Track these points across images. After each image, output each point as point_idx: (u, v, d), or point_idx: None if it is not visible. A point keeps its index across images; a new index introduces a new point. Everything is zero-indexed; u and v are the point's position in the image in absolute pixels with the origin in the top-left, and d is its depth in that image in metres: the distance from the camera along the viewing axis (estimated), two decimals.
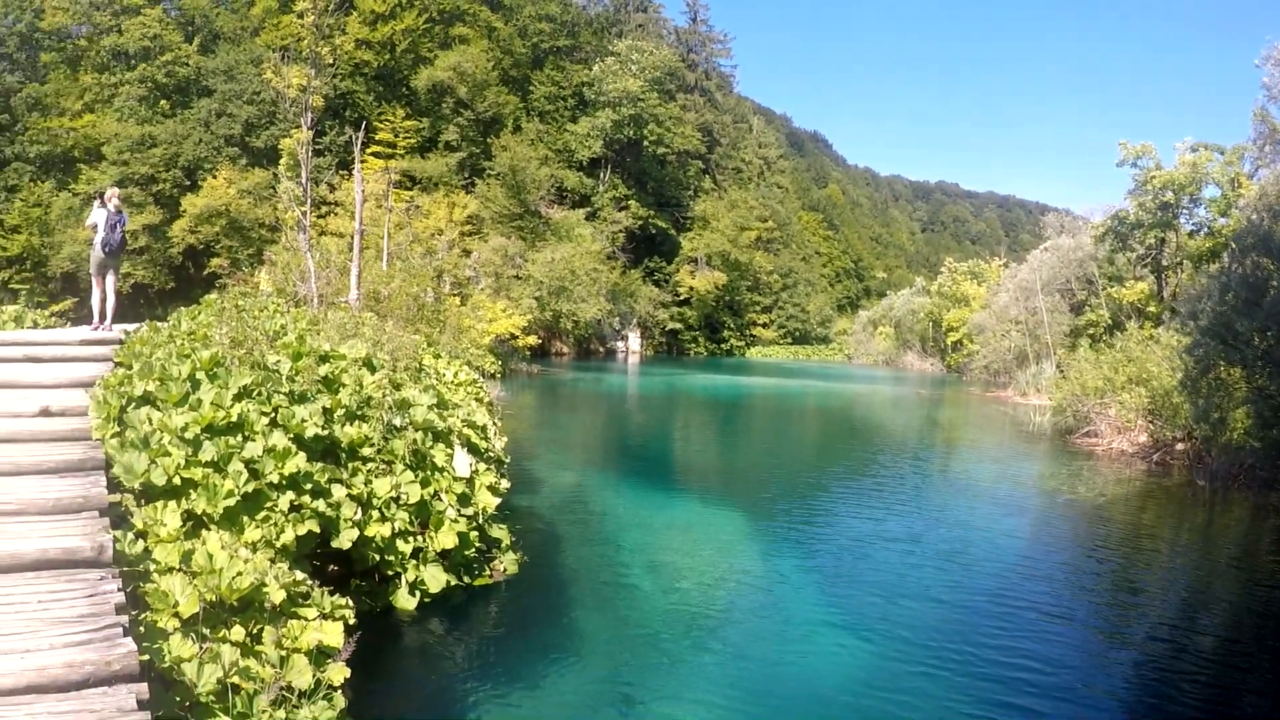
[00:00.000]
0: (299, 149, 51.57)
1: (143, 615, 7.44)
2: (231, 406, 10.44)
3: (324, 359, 13.47)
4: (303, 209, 27.08)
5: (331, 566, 11.57)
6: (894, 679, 10.24)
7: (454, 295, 43.04)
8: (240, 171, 72.49)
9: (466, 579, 12.51)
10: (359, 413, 12.45)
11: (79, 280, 67.25)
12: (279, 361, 12.49)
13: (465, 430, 14.26)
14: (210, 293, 68.61)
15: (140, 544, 8.22)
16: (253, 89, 76.51)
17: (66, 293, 68.78)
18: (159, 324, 16.42)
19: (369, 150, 66.15)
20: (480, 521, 13.10)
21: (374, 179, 52.61)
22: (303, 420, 10.89)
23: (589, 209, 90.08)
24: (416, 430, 12.85)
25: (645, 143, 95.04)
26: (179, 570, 8.04)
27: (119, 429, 10.08)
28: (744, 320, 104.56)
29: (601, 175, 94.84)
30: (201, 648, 7.31)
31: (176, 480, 9.31)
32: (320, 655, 8.07)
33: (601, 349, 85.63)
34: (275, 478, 9.94)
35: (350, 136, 66.78)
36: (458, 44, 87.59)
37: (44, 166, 75.99)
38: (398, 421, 12.71)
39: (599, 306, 75.02)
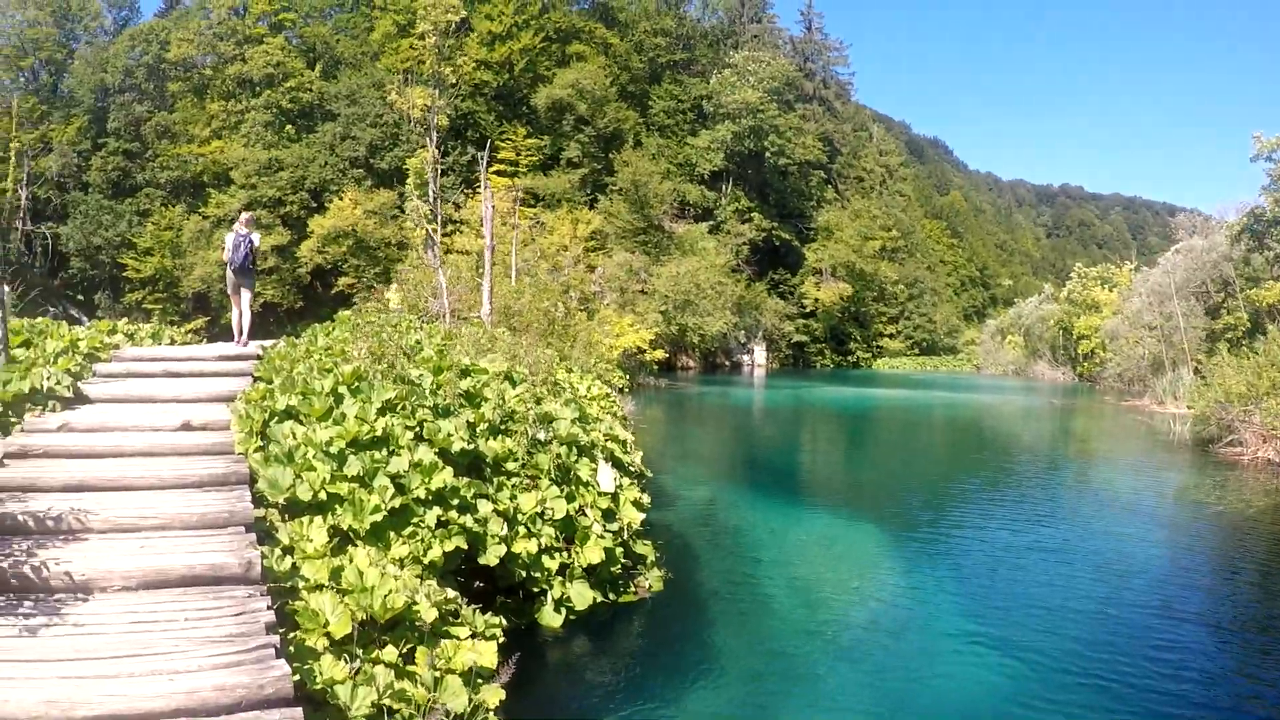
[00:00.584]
0: (426, 168, 52.07)
1: (292, 635, 7.14)
2: (376, 420, 10.19)
3: (465, 373, 13.18)
4: (432, 226, 26.98)
5: (477, 583, 11.22)
6: (1050, 697, 9.55)
7: (580, 310, 42.91)
8: (365, 193, 74.23)
9: (612, 596, 12.03)
10: (502, 427, 12.13)
11: (210, 300, 71.24)
12: (421, 376, 12.22)
13: (608, 444, 13.85)
14: (338, 311, 70.42)
15: (288, 560, 7.93)
16: (375, 112, 78.32)
17: (198, 312, 71.98)
18: (296, 339, 16.38)
19: (491, 169, 66.61)
20: (625, 537, 12.65)
21: (498, 196, 52.84)
22: (448, 434, 10.57)
23: (712, 222, 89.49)
24: (560, 444, 12.46)
25: (766, 154, 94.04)
26: (329, 588, 7.72)
27: (262, 443, 9.93)
28: (870, 331, 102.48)
29: (723, 188, 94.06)
30: (354, 669, 6.99)
31: (322, 495, 9.05)
32: (474, 676, 7.68)
33: (727, 362, 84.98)
34: (422, 493, 9.62)
35: (473, 155, 67.47)
36: (575, 61, 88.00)
37: (174, 191, 79.96)
38: (542, 436, 12.34)
39: (725, 320, 74.20)
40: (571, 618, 11.17)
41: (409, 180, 64.29)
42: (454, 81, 74.27)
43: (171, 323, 67.84)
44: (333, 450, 9.54)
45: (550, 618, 10.98)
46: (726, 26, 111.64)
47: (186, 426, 10.63)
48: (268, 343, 18.17)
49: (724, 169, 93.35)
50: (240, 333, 18.06)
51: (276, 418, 10.37)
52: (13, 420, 10.69)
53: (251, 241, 17.94)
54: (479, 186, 64.27)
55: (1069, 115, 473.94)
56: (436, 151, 65.58)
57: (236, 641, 6.19)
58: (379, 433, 10.03)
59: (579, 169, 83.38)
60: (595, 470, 12.75)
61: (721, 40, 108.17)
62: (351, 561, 8.29)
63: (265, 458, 9.47)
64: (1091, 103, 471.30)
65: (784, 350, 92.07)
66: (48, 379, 11.71)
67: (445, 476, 9.84)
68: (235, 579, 7.24)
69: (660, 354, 62.16)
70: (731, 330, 79.33)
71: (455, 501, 9.98)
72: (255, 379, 13.41)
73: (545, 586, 11.11)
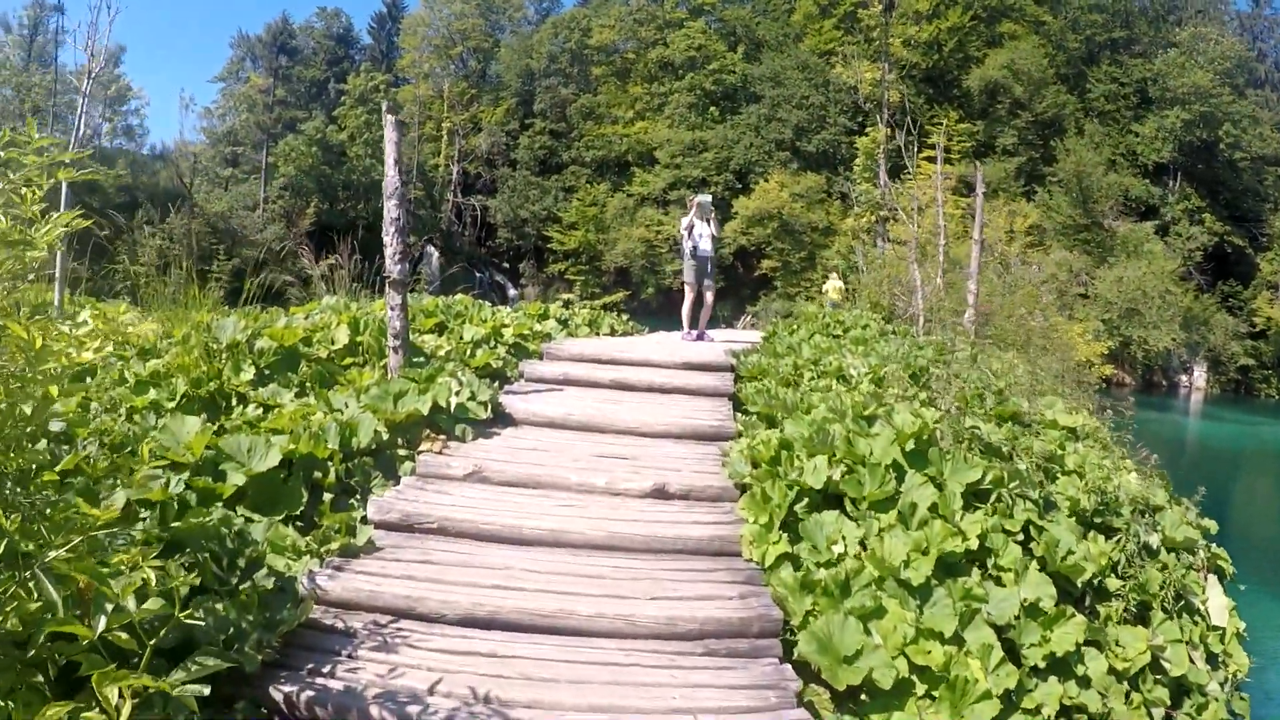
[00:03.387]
0: (877, 148, 48.26)
1: None
2: (963, 520, 6.31)
3: (1025, 425, 9.09)
4: (886, 210, 23.17)
5: None
6: None
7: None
8: (792, 175, 73.13)
9: None
10: (1095, 520, 7.90)
11: (630, 275, 75.38)
12: (997, 435, 8.09)
13: (1210, 547, 9.18)
14: (759, 294, 68.75)
15: None
16: (801, 94, 77.23)
17: (619, 286, 75.84)
18: (774, 345, 12.82)
19: (921, 155, 62.21)
20: (1228, 693, 8.07)
21: (934, 185, 48.35)
22: (1069, 551, 6.54)
23: (1157, 221, 79.83)
24: (1169, 550, 8.11)
25: (1220, 145, 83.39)
26: None
27: (789, 546, 6.19)
28: None
29: (1170, 184, 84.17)
30: None
31: (902, 667, 5.24)
32: None
33: (1164, 382, 75.82)
34: (1038, 657, 5.73)
35: (903, 141, 63.38)
36: (1006, 41, 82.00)
37: (599, 169, 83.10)
38: (1153, 540, 8.00)
39: (1173, 334, 66.00)
40: None
41: (857, 161, 61.53)
42: (904, 54, 72.08)
43: (592, 294, 72.62)
44: (914, 579, 5.72)
45: None
46: (1167, 1, 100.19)
47: (660, 493, 7.09)
48: (735, 342, 14.81)
49: (1170, 161, 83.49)
50: (692, 324, 16.00)
51: (807, 499, 6.53)
52: (401, 453, 7.44)
53: (694, 226, 15.78)
54: (908, 173, 60.25)
55: None
56: (887, 130, 62.62)
57: None
58: (972, 544, 6.12)
59: (1015, 157, 76.84)
60: (1205, 589, 8.35)
61: (1162, 16, 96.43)
62: None
63: (800, 581, 5.74)
64: None
65: (1231, 373, 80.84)
66: (457, 393, 8.31)
67: (1077, 629, 5.91)
68: None
69: (1109, 369, 55.61)
70: (1176, 347, 70.60)
71: (1080, 670, 5.99)
72: (739, 405, 9.96)
73: None
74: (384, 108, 9.06)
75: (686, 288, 15.89)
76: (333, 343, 9.04)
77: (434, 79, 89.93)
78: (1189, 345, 74.70)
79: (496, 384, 9.61)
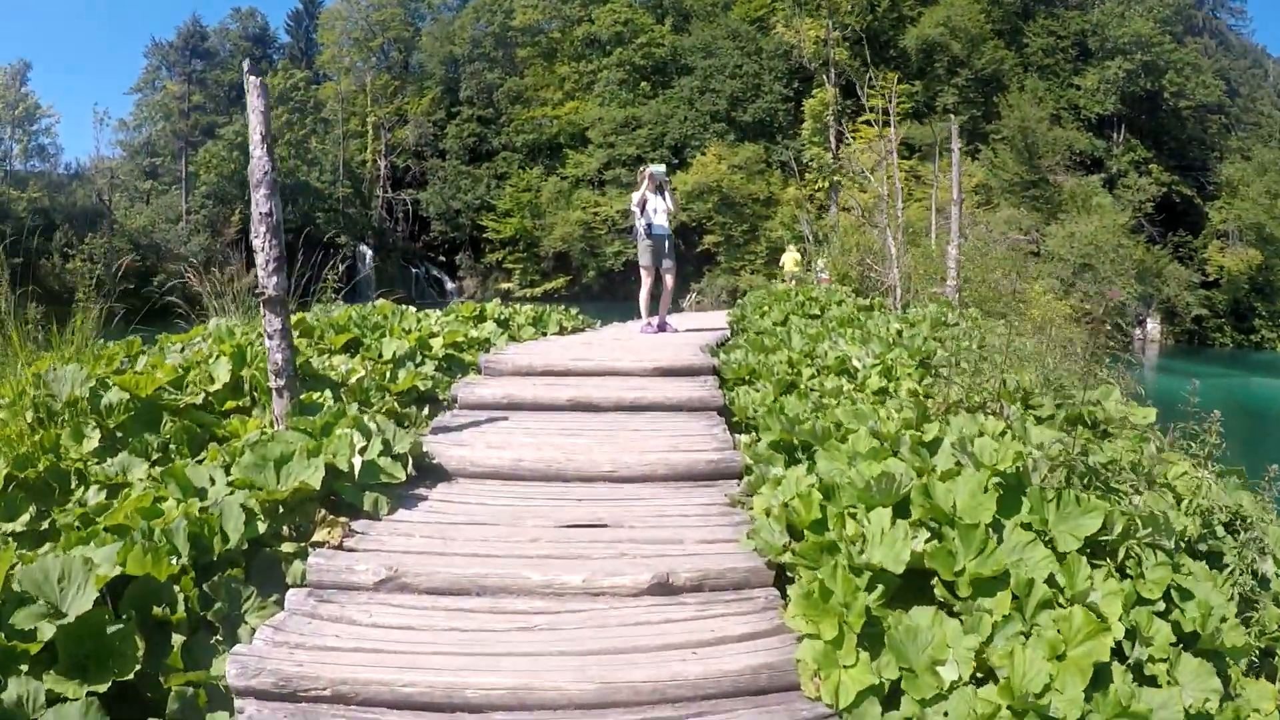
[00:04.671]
0: (826, 111, 46.67)
1: None
2: (1100, 593, 4.37)
3: (1097, 428, 7.25)
4: (848, 176, 21.65)
5: None
6: None
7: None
8: (729, 147, 72.18)
9: None
10: (1198, 547, 6.04)
11: (570, 259, 74.57)
12: (1109, 454, 6.06)
13: None
14: (703, 269, 67.24)
15: None
16: (734, 63, 76.50)
17: (558, 271, 75.43)
18: (760, 338, 10.92)
19: (860, 119, 60.68)
20: None
21: (874, 149, 46.76)
22: (1222, 619, 4.66)
23: (1103, 174, 78.85)
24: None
25: (1164, 95, 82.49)
26: None
27: (871, 671, 4.08)
28: (1276, 307, 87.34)
29: (1115, 136, 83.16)
30: None
31: None
32: None
33: (1120, 336, 74.66)
34: None
35: (864, 97, 62.14)
36: None
37: (530, 154, 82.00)
38: (1267, 567, 6.19)
39: (1129, 288, 65.00)
40: None
41: (805, 125, 59.83)
42: (849, 8, 71.01)
43: (531, 282, 74.62)
44: (1066, 712, 3.73)
45: None
46: None
47: (663, 588, 4.88)
48: (702, 330, 13.27)
49: (1114, 114, 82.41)
50: (651, 312, 14.24)
51: (881, 584, 4.38)
52: (287, 549, 5.08)
53: (643, 202, 13.92)
54: (848, 139, 58.87)
55: None
56: (834, 90, 61.33)
57: None
58: (1118, 633, 4.16)
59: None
60: None
61: None
62: None
63: None
64: None
65: (1187, 324, 79.90)
66: (363, 448, 5.92)
67: None
68: None
69: (1075, 329, 54.42)
70: (1131, 300, 69.75)
71: None
72: (732, 420, 7.91)
73: None
74: (244, 68, 6.85)
75: (643, 272, 14.02)
76: (211, 381, 6.85)
77: (355, 73, 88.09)
78: (1143, 298, 74.15)
79: (425, 411, 7.66)
